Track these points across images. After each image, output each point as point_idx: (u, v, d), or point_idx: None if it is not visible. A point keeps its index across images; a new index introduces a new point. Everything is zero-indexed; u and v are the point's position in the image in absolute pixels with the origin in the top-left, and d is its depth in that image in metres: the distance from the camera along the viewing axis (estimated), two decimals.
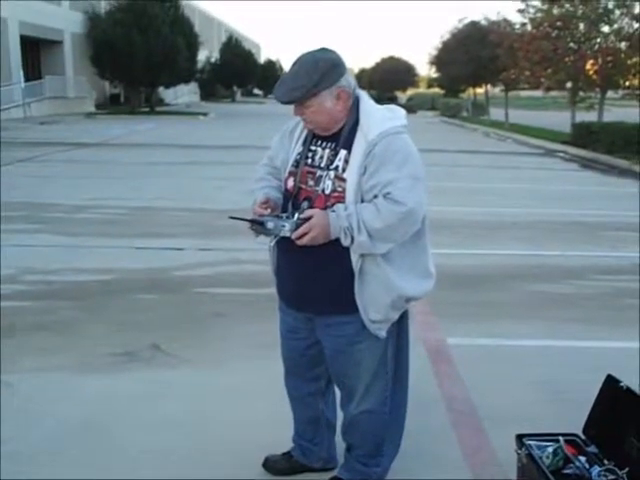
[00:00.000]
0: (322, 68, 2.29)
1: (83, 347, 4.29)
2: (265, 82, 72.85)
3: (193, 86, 56.23)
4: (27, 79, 30.67)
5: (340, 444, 2.89)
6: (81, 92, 37.53)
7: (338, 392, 2.80)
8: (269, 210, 2.42)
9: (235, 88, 66.87)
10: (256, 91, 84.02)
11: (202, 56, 47.75)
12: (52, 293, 5.41)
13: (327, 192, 2.38)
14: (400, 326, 2.61)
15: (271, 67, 75.92)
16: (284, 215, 2.39)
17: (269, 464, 2.95)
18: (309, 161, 2.47)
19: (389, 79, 62.67)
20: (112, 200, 9.58)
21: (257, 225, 2.36)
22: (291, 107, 2.42)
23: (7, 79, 29.21)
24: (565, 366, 4.14)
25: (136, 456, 3.06)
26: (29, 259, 6.33)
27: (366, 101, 2.45)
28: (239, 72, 59.02)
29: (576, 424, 2.85)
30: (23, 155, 14.84)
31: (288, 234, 2.31)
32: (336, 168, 2.39)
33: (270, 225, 2.33)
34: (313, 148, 2.49)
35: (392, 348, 2.60)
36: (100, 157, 15.28)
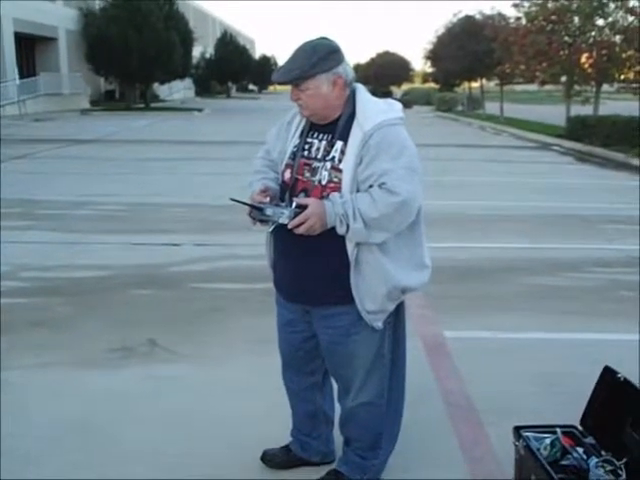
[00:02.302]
0: (319, 52, 2.34)
1: (80, 343, 4.28)
2: (260, 78, 72.74)
3: (188, 82, 56.08)
4: (22, 76, 30.56)
5: (338, 438, 2.90)
6: (76, 89, 37.40)
7: (335, 385, 2.80)
8: (268, 199, 2.44)
9: (230, 84, 66.70)
10: (251, 87, 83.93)
11: (197, 52, 47.67)
12: (48, 290, 5.39)
13: (323, 183, 2.40)
14: (397, 318, 2.61)
15: (266, 63, 75.76)
16: (283, 204, 2.43)
17: (267, 458, 2.95)
18: (305, 153, 2.49)
19: (384, 74, 62.40)
20: (108, 197, 9.56)
21: (256, 211, 2.39)
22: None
23: (2, 76, 29.11)
24: (562, 358, 4.15)
25: (133, 452, 3.05)
26: (25, 256, 6.31)
27: (363, 93, 2.47)
28: (234, 68, 58.85)
29: (573, 416, 2.85)
30: (18, 152, 14.80)
31: (286, 221, 2.33)
32: (332, 159, 2.40)
33: (269, 212, 2.36)
34: (310, 140, 2.50)
35: (389, 340, 2.60)
36: (96, 154, 15.24)
